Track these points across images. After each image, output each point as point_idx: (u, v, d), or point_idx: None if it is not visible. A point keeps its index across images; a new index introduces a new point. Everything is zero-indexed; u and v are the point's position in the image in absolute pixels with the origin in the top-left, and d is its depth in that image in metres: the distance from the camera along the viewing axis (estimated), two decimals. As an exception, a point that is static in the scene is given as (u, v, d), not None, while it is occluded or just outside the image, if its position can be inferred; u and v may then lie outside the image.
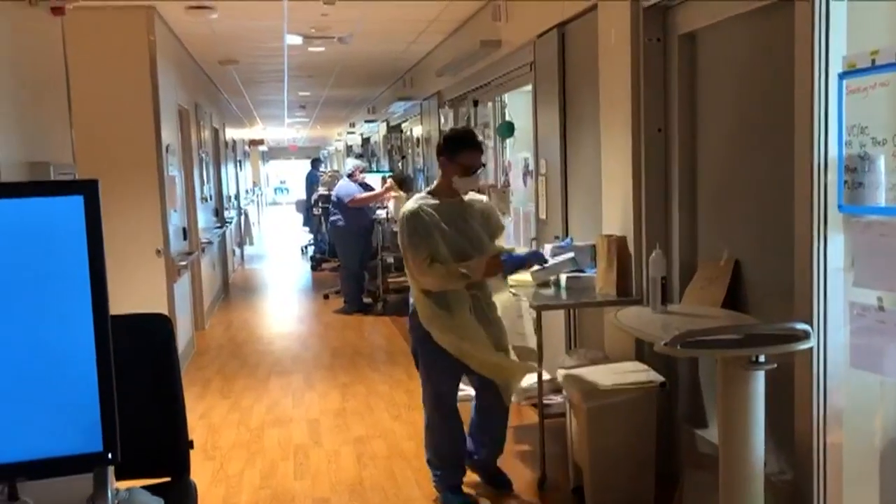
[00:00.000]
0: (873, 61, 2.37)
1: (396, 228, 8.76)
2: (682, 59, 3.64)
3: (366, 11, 6.52)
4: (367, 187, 9.12)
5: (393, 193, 8.97)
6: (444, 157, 3.68)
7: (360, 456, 4.52)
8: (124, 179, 5.73)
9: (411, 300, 3.77)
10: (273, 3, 6.07)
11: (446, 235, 3.59)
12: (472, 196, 3.80)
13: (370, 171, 11.35)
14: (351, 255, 8.82)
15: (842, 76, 2.51)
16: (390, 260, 9.35)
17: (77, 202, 1.31)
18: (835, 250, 2.64)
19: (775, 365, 2.56)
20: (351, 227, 8.74)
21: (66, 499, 1.44)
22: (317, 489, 4.10)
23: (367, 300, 9.05)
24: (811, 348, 2.60)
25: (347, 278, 8.94)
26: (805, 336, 2.51)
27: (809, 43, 2.60)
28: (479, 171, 3.70)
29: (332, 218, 9.06)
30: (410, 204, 3.68)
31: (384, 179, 9.66)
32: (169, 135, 6.44)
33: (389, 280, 9.27)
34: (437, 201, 3.65)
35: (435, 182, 3.84)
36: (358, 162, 9.65)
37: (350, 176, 9.00)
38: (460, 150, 3.64)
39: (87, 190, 1.31)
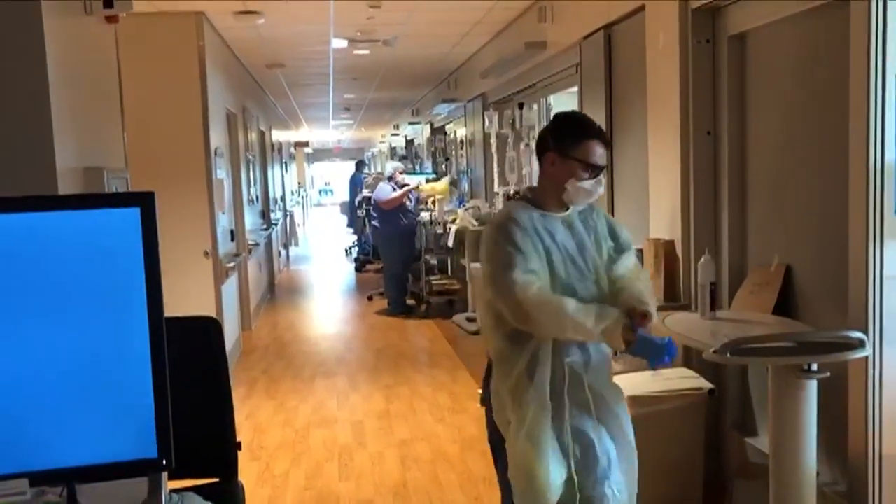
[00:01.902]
0: (933, 63, 2.31)
1: (440, 230, 8.92)
2: (731, 61, 3.58)
3: (411, 14, 6.54)
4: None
5: (437, 192, 9.02)
6: (553, 151, 2.49)
7: (403, 458, 4.54)
8: (174, 182, 5.84)
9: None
10: (319, 7, 6.13)
11: (556, 266, 2.44)
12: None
13: (413, 173, 11.40)
14: (393, 257, 8.86)
15: (900, 78, 2.45)
16: (433, 262, 9.37)
17: (134, 214, 1.34)
18: (891, 256, 2.58)
19: (828, 374, 2.51)
20: (391, 229, 8.77)
21: (120, 501, 1.47)
22: (361, 491, 4.12)
23: (410, 302, 9.08)
24: (866, 357, 2.54)
25: (390, 280, 8.98)
26: (860, 344, 2.46)
27: (865, 44, 2.54)
28: (601, 175, 2.52)
29: (373, 221, 9.12)
30: (504, 209, 2.61)
31: (427, 181, 9.70)
32: (217, 138, 6.54)
33: (433, 282, 9.29)
34: (538, 213, 2.50)
35: (533, 186, 2.65)
36: (398, 164, 9.70)
37: (390, 178, 9.05)
38: (580, 140, 2.47)
39: (144, 202, 1.35)
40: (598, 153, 2.49)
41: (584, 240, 2.52)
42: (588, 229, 2.55)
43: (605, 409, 2.50)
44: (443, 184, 9.52)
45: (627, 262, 2.60)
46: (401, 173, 9.14)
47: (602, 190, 2.53)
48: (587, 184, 2.47)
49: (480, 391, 2.69)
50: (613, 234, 2.61)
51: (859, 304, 2.63)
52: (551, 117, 2.62)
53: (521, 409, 2.43)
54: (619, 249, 2.60)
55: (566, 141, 2.49)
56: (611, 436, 2.50)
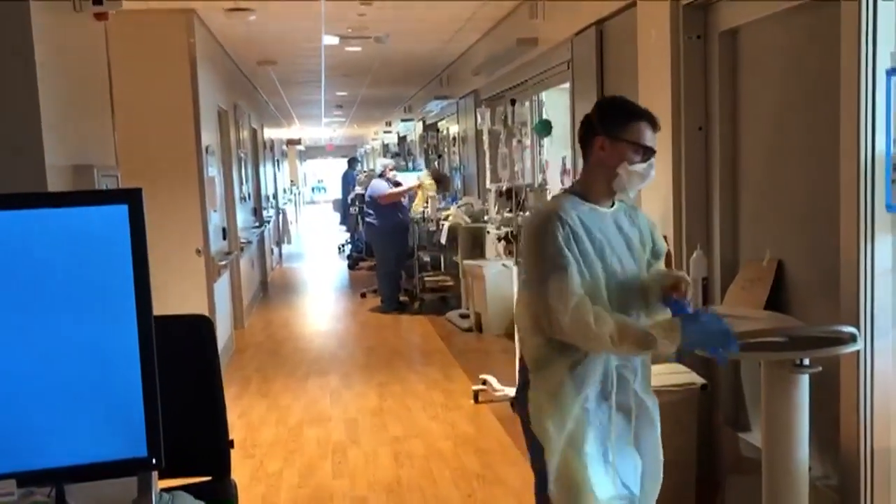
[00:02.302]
0: (923, 57, 2.31)
1: (433, 227, 8.92)
2: (723, 57, 3.58)
3: (402, 11, 6.52)
4: (398, 185, 9.13)
5: (426, 188, 9.01)
6: (602, 135, 2.32)
7: (397, 455, 4.54)
8: (165, 180, 5.81)
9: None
10: (310, 4, 6.11)
11: (608, 260, 2.30)
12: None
13: (405, 170, 11.40)
14: (387, 254, 8.85)
15: (890, 72, 2.45)
16: (426, 259, 9.36)
17: (122, 211, 1.33)
18: (882, 251, 2.59)
19: (820, 368, 2.51)
20: (385, 225, 8.76)
21: (110, 501, 1.46)
22: (355, 488, 4.11)
23: (403, 299, 9.07)
24: (857, 351, 2.55)
25: (383, 277, 8.97)
26: (851, 339, 2.46)
27: (856, 38, 2.54)
28: (653, 159, 2.34)
29: (367, 218, 9.10)
30: (551, 204, 2.41)
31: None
32: (209, 136, 6.52)
33: (426, 279, 9.29)
34: (587, 207, 2.33)
35: (579, 177, 2.48)
36: (388, 161, 9.68)
37: (381, 175, 9.03)
38: (629, 121, 2.32)
39: (132, 199, 1.33)
40: (648, 136, 2.32)
41: (632, 237, 2.39)
42: (633, 227, 2.41)
43: (646, 417, 2.42)
44: (426, 178, 9.48)
45: (660, 270, 2.50)
46: (391, 170, 9.11)
47: (654, 174, 2.36)
48: (640, 167, 2.30)
49: (512, 400, 2.53)
50: (652, 238, 2.48)
51: (851, 299, 2.63)
52: (595, 104, 2.46)
53: (562, 415, 2.29)
54: (655, 255, 2.49)
55: (615, 123, 2.33)
56: (645, 447, 2.42)
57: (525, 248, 2.35)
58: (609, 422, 2.34)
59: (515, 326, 2.42)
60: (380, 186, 8.83)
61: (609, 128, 2.32)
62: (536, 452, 2.37)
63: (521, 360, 2.42)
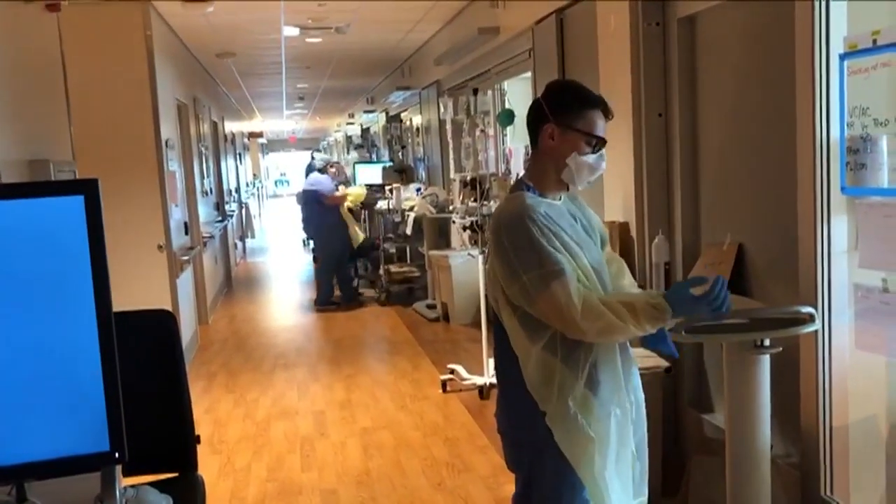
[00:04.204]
0: (874, 42, 2.36)
1: (398, 219, 8.89)
2: (681, 43, 3.62)
3: (363, 1, 6.48)
4: (346, 184, 9.04)
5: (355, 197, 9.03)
6: (551, 123, 2.15)
7: (366, 447, 4.53)
8: (124, 175, 5.71)
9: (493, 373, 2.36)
10: (269, -6, 6.05)
11: (582, 262, 2.11)
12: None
13: (370, 162, 11.34)
14: (326, 251, 8.71)
15: (843, 57, 2.50)
16: (392, 250, 9.34)
17: (77, 202, 1.30)
18: (838, 232, 2.64)
19: (780, 349, 2.56)
20: (324, 222, 8.64)
21: (74, 498, 1.44)
22: (324, 481, 4.11)
23: (335, 297, 8.80)
24: (816, 331, 2.60)
25: (320, 273, 8.83)
26: (810, 319, 2.51)
27: (810, 24, 2.58)
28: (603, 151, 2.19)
29: (311, 207, 8.89)
30: (516, 204, 2.12)
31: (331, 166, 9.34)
32: (168, 129, 6.43)
33: (392, 270, 9.27)
34: (545, 202, 2.16)
35: (529, 167, 2.28)
36: (327, 157, 9.54)
37: (322, 170, 8.82)
38: (582, 109, 2.15)
39: (88, 189, 1.30)
40: (601, 125, 2.16)
41: (586, 226, 2.25)
42: (581, 215, 2.26)
43: (640, 408, 2.28)
44: (358, 189, 9.51)
45: (610, 257, 2.38)
46: (332, 167, 8.94)
47: (605, 166, 2.21)
48: (591, 158, 2.14)
49: (496, 416, 2.30)
50: (604, 230, 2.37)
51: (809, 280, 2.69)
52: (545, 87, 2.28)
53: (599, 423, 2.11)
54: (603, 243, 2.34)
55: (567, 111, 2.15)
56: (642, 446, 2.30)
57: (505, 258, 2.07)
58: (631, 424, 2.21)
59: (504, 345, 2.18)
60: (324, 183, 8.69)
61: (560, 115, 2.14)
62: (536, 468, 2.17)
63: (507, 386, 2.20)
